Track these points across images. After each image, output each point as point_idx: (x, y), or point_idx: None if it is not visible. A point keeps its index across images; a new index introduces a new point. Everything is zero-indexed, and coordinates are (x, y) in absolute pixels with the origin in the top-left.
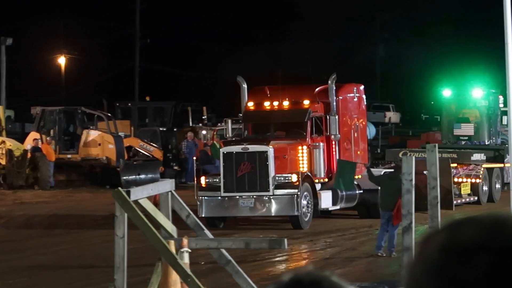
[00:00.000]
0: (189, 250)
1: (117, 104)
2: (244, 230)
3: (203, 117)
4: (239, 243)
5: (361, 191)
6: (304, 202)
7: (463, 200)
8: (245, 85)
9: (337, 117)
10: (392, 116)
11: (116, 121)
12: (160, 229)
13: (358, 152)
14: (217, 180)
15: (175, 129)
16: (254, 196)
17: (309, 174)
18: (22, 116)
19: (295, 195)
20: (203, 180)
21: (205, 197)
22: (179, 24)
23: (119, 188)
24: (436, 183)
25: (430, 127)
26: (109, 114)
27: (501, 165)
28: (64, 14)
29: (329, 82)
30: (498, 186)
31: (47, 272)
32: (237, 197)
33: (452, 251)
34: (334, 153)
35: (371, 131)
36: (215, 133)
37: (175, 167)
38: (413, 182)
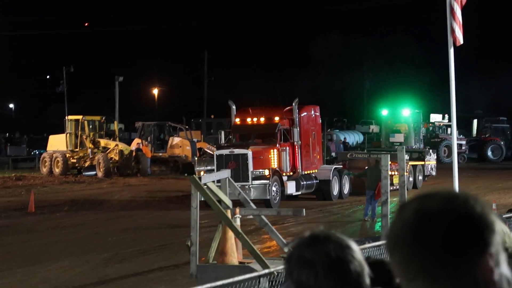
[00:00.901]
0: (240, 216)
1: (192, 120)
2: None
3: None
4: (273, 211)
5: (317, 181)
6: (274, 189)
7: (395, 187)
8: (234, 106)
9: (298, 129)
10: (374, 128)
11: (191, 131)
12: (221, 202)
13: (315, 154)
14: None
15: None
16: (239, 185)
17: (278, 169)
18: (129, 128)
19: (267, 185)
20: (202, 174)
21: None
22: (232, 67)
23: (194, 175)
24: (404, 172)
25: None
26: (187, 127)
27: (422, 162)
28: (157, 60)
29: (293, 104)
30: (420, 177)
31: (146, 230)
32: None
33: (421, 215)
34: (297, 154)
35: (360, 138)
36: None
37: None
38: (389, 171)
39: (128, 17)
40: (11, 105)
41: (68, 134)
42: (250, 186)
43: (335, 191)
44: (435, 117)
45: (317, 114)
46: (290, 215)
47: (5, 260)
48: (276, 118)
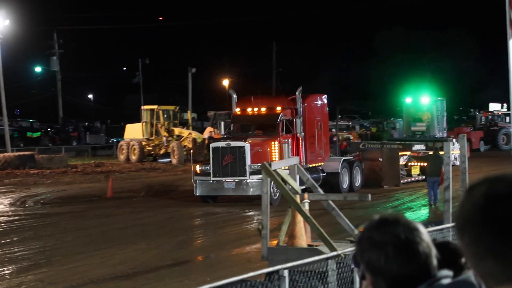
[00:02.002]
0: (308, 201)
1: None
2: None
3: None
4: (339, 197)
5: (324, 174)
6: (273, 184)
7: (413, 179)
8: (235, 95)
9: (301, 119)
10: None
11: None
12: (290, 187)
13: (321, 145)
14: (208, 168)
15: None
16: (235, 180)
17: None
18: (201, 117)
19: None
20: (198, 167)
21: (199, 181)
22: (299, 58)
23: (265, 162)
24: (465, 159)
25: (460, 123)
26: None
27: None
28: (227, 52)
29: (297, 93)
30: (443, 168)
31: (218, 215)
32: (223, 180)
33: (490, 197)
34: (301, 146)
35: None
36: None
37: None
38: (451, 158)
39: (200, 11)
40: (90, 96)
41: (144, 123)
42: (248, 181)
43: (345, 184)
44: (494, 106)
45: (324, 102)
46: (356, 200)
47: (85, 242)
48: (278, 108)
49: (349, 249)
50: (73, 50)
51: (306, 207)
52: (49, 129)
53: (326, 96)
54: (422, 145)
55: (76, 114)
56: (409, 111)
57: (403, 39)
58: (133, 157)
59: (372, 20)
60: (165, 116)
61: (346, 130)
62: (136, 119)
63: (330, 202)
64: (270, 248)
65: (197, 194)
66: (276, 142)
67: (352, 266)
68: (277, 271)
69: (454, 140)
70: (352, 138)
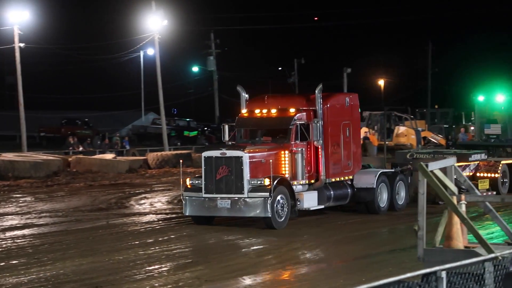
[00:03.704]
0: (465, 202)
1: (417, 110)
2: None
3: (472, 119)
4: (497, 198)
5: (354, 190)
6: (278, 204)
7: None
8: (244, 94)
9: (320, 123)
10: None
11: (416, 121)
12: (447, 189)
13: (350, 155)
14: (199, 182)
15: (453, 126)
16: (232, 198)
17: (286, 177)
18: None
19: (267, 198)
20: (188, 181)
21: (188, 197)
22: (458, 53)
23: (421, 162)
24: None
25: None
26: (412, 116)
27: None
28: (383, 51)
29: (316, 91)
30: None
31: (372, 215)
32: (217, 198)
33: None
34: (320, 157)
35: None
36: None
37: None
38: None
39: (355, 11)
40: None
41: None
42: (246, 199)
43: (383, 202)
44: None
45: (353, 103)
46: None
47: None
48: (292, 110)
49: (507, 251)
50: (229, 50)
51: (462, 208)
52: (205, 128)
53: (357, 95)
54: (483, 155)
55: (232, 113)
56: (482, 111)
57: None
58: None
59: None
60: None
61: None
62: None
63: (488, 204)
64: (426, 249)
65: (186, 214)
66: (287, 152)
67: (511, 268)
68: (434, 272)
69: None
70: None
